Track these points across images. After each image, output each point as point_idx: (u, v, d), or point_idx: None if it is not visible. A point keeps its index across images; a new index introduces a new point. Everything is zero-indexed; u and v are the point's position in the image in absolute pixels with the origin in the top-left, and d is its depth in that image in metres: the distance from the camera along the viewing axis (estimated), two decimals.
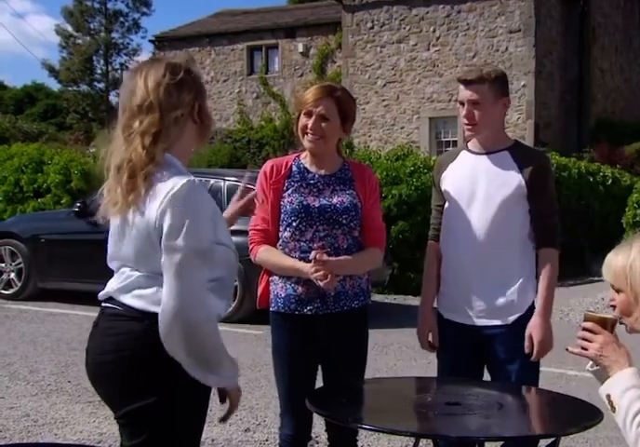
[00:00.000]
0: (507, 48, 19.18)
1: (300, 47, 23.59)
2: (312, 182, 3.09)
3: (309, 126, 3.04)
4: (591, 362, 2.20)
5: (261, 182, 3.13)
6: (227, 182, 8.93)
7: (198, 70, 2.31)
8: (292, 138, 23.29)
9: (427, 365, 6.29)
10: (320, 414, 2.50)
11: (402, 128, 20.54)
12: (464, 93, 3.13)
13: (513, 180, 3.10)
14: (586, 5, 20.28)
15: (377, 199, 3.19)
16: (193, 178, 2.13)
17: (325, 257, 2.92)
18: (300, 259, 3.02)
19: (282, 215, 3.05)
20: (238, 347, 7.21)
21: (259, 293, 3.17)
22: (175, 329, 2.05)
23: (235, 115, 24.30)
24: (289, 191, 3.07)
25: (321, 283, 2.90)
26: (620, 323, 2.17)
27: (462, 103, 3.15)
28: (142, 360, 2.10)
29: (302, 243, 3.03)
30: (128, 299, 2.17)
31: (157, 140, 2.14)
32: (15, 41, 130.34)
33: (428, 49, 20.15)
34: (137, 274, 2.18)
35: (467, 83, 3.11)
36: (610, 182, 14.43)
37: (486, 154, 3.19)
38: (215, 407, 5.25)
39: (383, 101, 20.73)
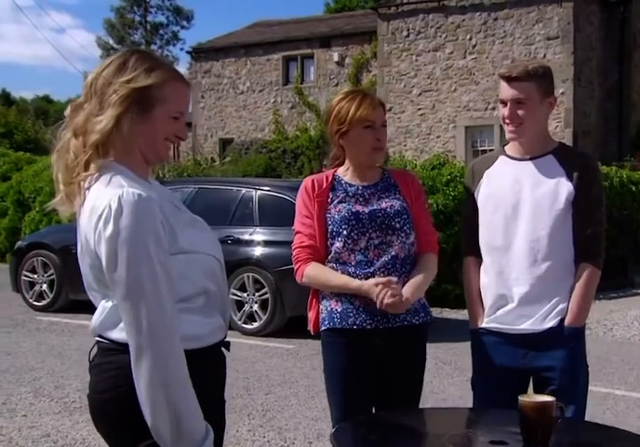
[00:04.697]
0: (545, 56, 18.86)
1: (336, 57, 23.49)
2: (357, 192, 2.96)
3: (380, 139, 2.93)
4: None
5: (303, 197, 2.98)
6: (259, 192, 8.79)
7: (166, 63, 2.06)
8: (327, 148, 23.17)
9: (465, 382, 6.03)
10: None
11: (438, 137, 20.29)
12: (507, 91, 2.86)
13: (562, 187, 2.86)
14: (626, 10, 19.90)
15: (424, 203, 3.05)
16: (125, 190, 1.87)
17: (391, 278, 2.78)
18: (355, 272, 2.85)
19: (330, 227, 2.90)
20: (269, 362, 7.05)
21: (311, 318, 2.98)
22: (137, 369, 1.85)
23: (271, 125, 24.26)
24: (335, 202, 2.93)
25: (388, 300, 2.73)
26: None
27: (504, 102, 2.89)
28: None
29: (357, 253, 2.87)
30: (113, 334, 1.97)
31: (98, 145, 1.95)
32: (53, 56, 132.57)
33: (464, 57, 19.91)
34: (110, 304, 1.97)
35: (511, 79, 2.84)
36: None
37: (530, 159, 2.94)
38: (243, 426, 5.05)
39: (419, 109, 20.50)
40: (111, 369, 1.96)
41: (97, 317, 2.01)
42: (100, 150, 1.96)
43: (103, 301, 2.00)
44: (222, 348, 2.12)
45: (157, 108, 1.99)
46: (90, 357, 2.06)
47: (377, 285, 2.75)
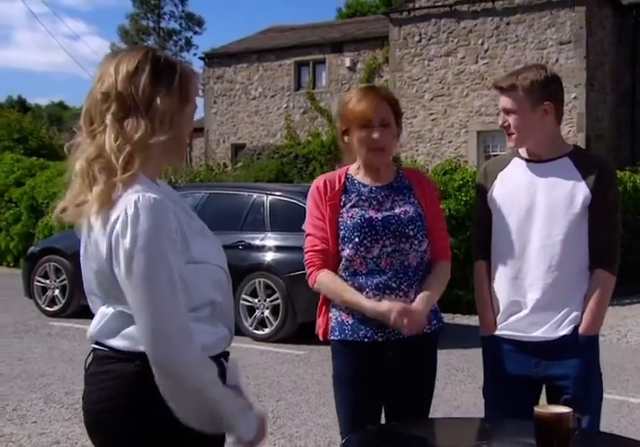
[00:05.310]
0: (557, 60, 18.80)
1: (348, 62, 23.52)
2: (371, 195, 2.87)
3: (376, 138, 2.80)
4: None
5: (315, 198, 2.89)
6: (270, 197, 8.77)
7: (191, 73, 2.01)
8: (339, 153, 23.07)
9: (478, 389, 5.98)
10: None
11: (450, 142, 20.25)
12: (500, 101, 2.91)
13: (578, 191, 2.82)
14: (639, 15, 19.81)
15: (438, 205, 2.98)
16: (141, 195, 1.82)
17: (406, 305, 2.72)
18: (366, 283, 2.78)
19: (342, 232, 2.82)
20: (280, 369, 7.03)
21: (320, 325, 2.92)
22: (162, 382, 1.80)
23: (283, 131, 24.28)
24: (347, 206, 2.85)
25: (405, 331, 2.71)
26: None
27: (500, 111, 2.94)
28: (141, 406, 1.84)
29: (369, 261, 2.79)
30: (112, 341, 1.91)
31: (137, 150, 1.87)
32: (67, 62, 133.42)
33: (476, 62, 19.86)
34: (112, 310, 1.92)
35: (501, 90, 2.88)
36: None
37: (544, 161, 2.90)
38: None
39: (431, 114, 20.46)
40: (107, 378, 1.89)
41: (95, 323, 1.95)
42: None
43: (104, 307, 1.94)
44: (222, 359, 2.05)
45: (189, 107, 1.99)
46: (86, 365, 1.99)
47: (390, 311, 2.69)
